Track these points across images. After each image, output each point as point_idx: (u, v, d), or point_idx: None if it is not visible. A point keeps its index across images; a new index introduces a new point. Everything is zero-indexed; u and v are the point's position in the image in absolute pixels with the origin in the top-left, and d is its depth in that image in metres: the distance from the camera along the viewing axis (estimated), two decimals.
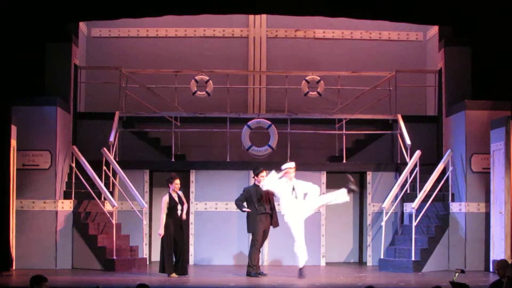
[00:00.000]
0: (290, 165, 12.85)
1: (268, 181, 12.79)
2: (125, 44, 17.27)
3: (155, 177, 15.76)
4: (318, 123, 16.17)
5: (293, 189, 12.79)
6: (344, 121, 15.69)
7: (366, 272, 13.93)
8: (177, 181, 12.83)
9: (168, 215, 12.69)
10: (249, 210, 12.89)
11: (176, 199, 12.79)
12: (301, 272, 12.68)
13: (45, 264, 13.71)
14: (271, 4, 13.23)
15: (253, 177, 13.19)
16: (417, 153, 14.53)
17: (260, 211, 12.86)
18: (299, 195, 12.76)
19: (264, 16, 17.08)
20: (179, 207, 12.79)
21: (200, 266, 14.71)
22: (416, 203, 13.84)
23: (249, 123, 15.38)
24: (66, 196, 14.25)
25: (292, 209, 12.71)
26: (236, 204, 13.10)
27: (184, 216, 12.86)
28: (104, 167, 14.48)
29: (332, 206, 15.48)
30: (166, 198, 12.74)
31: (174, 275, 12.61)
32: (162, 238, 12.69)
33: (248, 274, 12.76)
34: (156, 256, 15.58)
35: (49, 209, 13.99)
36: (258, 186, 12.94)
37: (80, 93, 16.14)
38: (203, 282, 12.21)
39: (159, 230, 12.73)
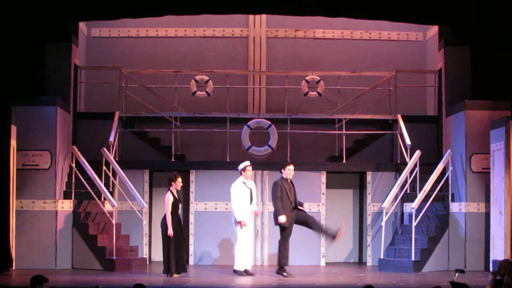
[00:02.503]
0: (246, 163, 13.28)
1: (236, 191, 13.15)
2: (125, 44, 17.27)
3: (155, 177, 15.76)
4: (318, 123, 16.16)
5: (251, 192, 13.13)
6: (344, 121, 15.69)
7: (366, 272, 13.93)
8: (180, 179, 12.80)
9: (171, 213, 12.61)
10: (284, 222, 12.80)
11: (177, 197, 12.77)
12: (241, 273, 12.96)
13: (45, 264, 13.71)
14: (271, 4, 13.23)
15: (280, 171, 13.14)
16: (417, 153, 14.54)
17: (292, 205, 12.88)
18: (251, 200, 13.19)
19: (264, 16, 17.08)
20: (180, 205, 12.79)
21: (200, 266, 14.71)
22: (416, 203, 13.84)
23: (249, 123, 15.39)
24: (66, 196, 14.25)
25: (246, 215, 13.08)
26: (276, 206, 12.87)
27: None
28: (104, 167, 14.48)
29: (332, 206, 15.52)
30: (170, 197, 12.61)
31: (175, 275, 12.60)
32: (168, 238, 12.54)
33: (280, 273, 12.77)
34: (156, 256, 15.62)
35: (49, 209, 13.99)
36: (286, 180, 12.95)
37: (80, 93, 16.13)
38: (203, 282, 12.21)
39: (169, 230, 12.51)
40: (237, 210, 13.05)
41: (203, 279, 12.68)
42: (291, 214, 12.85)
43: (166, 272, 12.59)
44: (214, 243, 14.99)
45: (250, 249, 13.32)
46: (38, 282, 8.02)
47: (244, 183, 13.20)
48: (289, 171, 12.99)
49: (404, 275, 13.06)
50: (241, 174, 13.30)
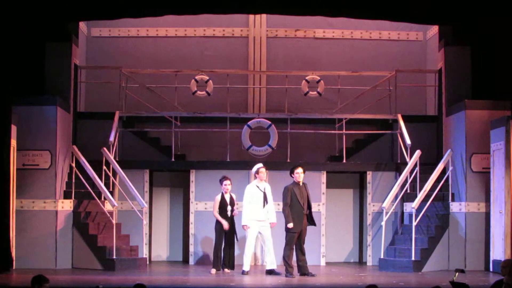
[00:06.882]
0: (259, 165, 13.31)
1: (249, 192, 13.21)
2: (125, 44, 17.27)
3: (155, 177, 15.77)
4: (318, 123, 16.17)
5: (264, 194, 13.13)
6: (344, 121, 15.69)
7: (366, 272, 13.92)
8: (226, 182, 13.39)
9: (219, 214, 13.27)
10: (292, 227, 12.77)
11: (228, 200, 13.30)
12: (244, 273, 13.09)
13: (45, 264, 13.71)
14: (271, 4, 13.23)
15: (290, 175, 13.10)
16: (417, 152, 14.54)
17: (304, 211, 12.84)
18: (265, 202, 13.20)
19: (264, 16, 17.08)
20: (228, 208, 13.30)
21: (200, 265, 14.71)
22: (416, 203, 13.84)
23: (249, 122, 15.39)
24: (66, 196, 14.25)
25: (257, 218, 13.11)
26: (285, 212, 12.80)
27: (236, 212, 13.37)
28: (104, 167, 14.48)
29: (332, 206, 15.54)
30: (218, 198, 13.35)
31: (227, 270, 13.19)
32: (219, 233, 13.22)
33: (288, 274, 12.77)
34: (156, 256, 15.65)
35: (49, 209, 13.99)
36: (298, 184, 12.93)
37: (80, 93, 16.13)
38: (203, 282, 12.21)
39: (223, 223, 13.18)
40: (244, 213, 13.17)
41: (203, 278, 12.68)
42: (301, 220, 12.81)
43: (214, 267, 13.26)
44: None
45: (272, 249, 13.23)
46: (38, 282, 8.02)
47: (257, 186, 13.21)
48: (297, 175, 12.94)
49: (404, 275, 13.06)
50: (255, 177, 13.38)
